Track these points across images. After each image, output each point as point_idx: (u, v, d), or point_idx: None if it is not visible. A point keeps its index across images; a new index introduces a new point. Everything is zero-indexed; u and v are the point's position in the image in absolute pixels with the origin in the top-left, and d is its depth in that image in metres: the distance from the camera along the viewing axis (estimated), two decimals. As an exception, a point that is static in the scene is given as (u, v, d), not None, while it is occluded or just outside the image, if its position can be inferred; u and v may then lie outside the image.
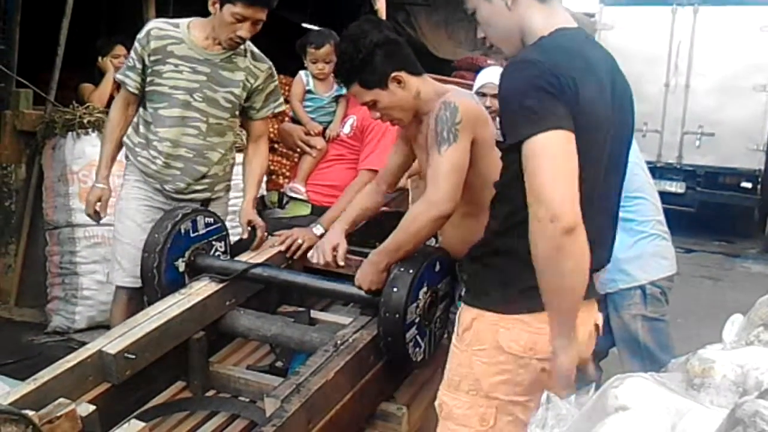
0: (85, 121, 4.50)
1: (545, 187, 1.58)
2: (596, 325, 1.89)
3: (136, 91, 3.11)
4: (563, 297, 1.65)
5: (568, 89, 1.61)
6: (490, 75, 3.96)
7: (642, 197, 3.06)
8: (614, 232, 1.93)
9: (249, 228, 3.05)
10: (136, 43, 3.07)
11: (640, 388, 1.33)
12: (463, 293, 2.53)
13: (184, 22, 3.09)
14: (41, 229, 4.66)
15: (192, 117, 3.07)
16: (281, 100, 3.31)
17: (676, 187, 9.77)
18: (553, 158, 1.59)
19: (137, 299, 3.17)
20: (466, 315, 1.87)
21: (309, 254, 2.64)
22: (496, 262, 1.82)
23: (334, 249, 2.59)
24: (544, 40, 1.73)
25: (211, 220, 2.94)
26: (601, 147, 1.73)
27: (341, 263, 2.58)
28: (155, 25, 3.08)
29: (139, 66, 3.07)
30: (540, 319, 1.74)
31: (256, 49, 3.18)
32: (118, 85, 4.62)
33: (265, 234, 3.05)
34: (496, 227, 1.83)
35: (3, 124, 4.68)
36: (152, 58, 3.03)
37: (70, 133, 4.49)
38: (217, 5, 2.93)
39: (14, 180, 4.76)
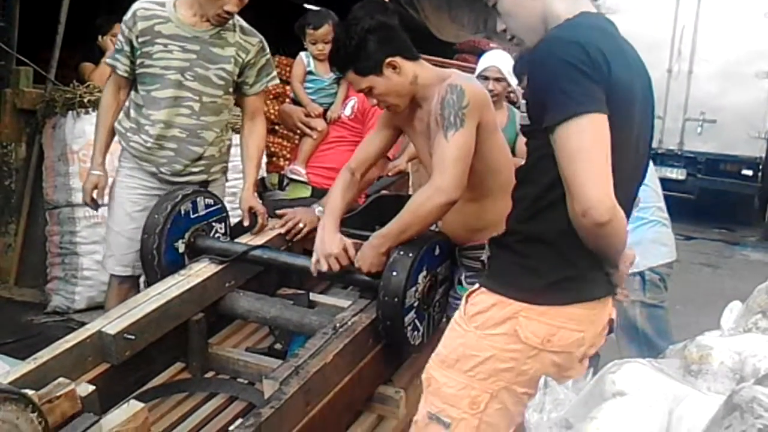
0: (85, 100, 4.48)
1: (576, 183, 1.58)
2: (610, 320, 1.87)
3: (126, 75, 3.08)
4: (607, 256, 1.74)
5: (598, 64, 1.59)
6: (493, 58, 3.94)
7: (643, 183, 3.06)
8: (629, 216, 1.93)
9: (250, 214, 3.03)
10: (122, 26, 3.02)
11: (637, 373, 1.34)
12: (464, 277, 2.53)
13: (169, 0, 3.04)
14: (41, 209, 4.66)
15: (185, 96, 3.03)
16: (274, 73, 3.26)
17: (677, 173, 9.78)
18: (583, 148, 1.57)
19: (129, 285, 3.18)
20: (484, 299, 1.81)
21: (313, 260, 2.49)
22: (524, 250, 1.78)
23: (346, 251, 2.47)
24: (567, 22, 1.71)
25: (212, 201, 2.93)
26: (632, 128, 1.71)
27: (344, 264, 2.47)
28: (140, 5, 3.01)
29: (127, 48, 3.02)
30: (563, 314, 1.74)
31: (245, 24, 3.13)
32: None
33: (266, 220, 3.04)
34: (523, 213, 1.79)
35: (3, 102, 4.67)
36: (140, 40, 2.98)
37: (70, 112, 4.49)
38: None
39: (14, 159, 4.75)
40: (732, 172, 9.69)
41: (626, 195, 1.80)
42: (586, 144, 1.57)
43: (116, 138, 3.21)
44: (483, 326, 1.80)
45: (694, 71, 9.63)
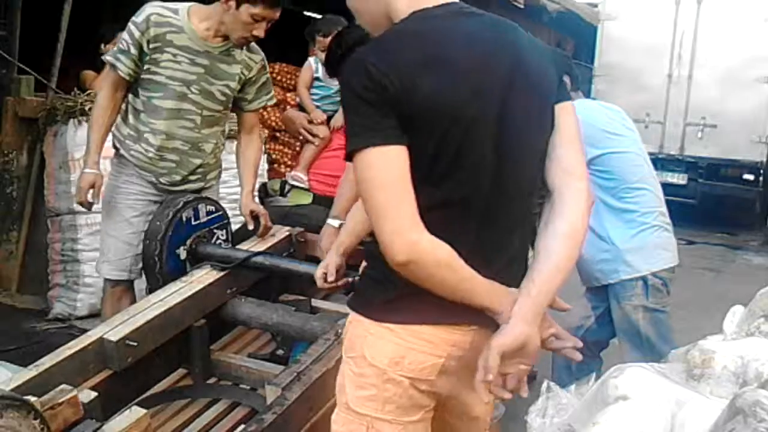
0: (86, 108, 4.47)
1: (372, 219, 1.45)
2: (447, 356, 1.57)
3: (128, 77, 2.98)
4: (449, 297, 1.49)
5: (384, 87, 1.41)
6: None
7: (644, 188, 3.06)
8: (520, 233, 1.63)
9: (252, 219, 3.03)
10: (132, 27, 2.91)
11: (640, 378, 1.34)
12: None
13: (183, 7, 2.96)
14: (43, 216, 4.66)
15: (187, 109, 2.99)
16: (272, 93, 3.25)
17: (678, 178, 9.76)
18: (369, 183, 1.43)
19: (123, 287, 3.15)
20: (348, 319, 1.69)
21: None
22: (372, 264, 1.64)
23: (325, 273, 2.33)
24: (394, 26, 1.55)
25: (213, 208, 2.94)
26: (470, 141, 1.47)
27: (329, 280, 2.32)
28: (155, 10, 2.92)
29: (134, 52, 2.91)
30: (412, 332, 1.54)
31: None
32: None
33: (269, 222, 3.03)
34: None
35: (5, 111, 4.68)
36: (152, 46, 2.91)
37: (71, 120, 4.49)
38: (233, 3, 2.80)
39: (16, 167, 4.76)
40: (733, 176, 9.68)
41: (493, 217, 1.55)
42: (370, 179, 1.43)
43: (109, 142, 3.15)
44: (346, 351, 1.66)
45: (694, 76, 9.63)
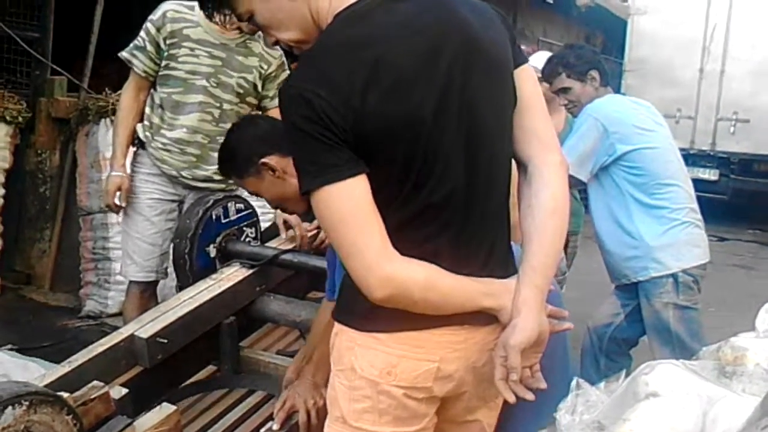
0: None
1: (340, 257, 1.38)
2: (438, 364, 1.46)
3: (144, 74, 3.03)
4: (441, 313, 1.42)
5: (332, 116, 1.28)
6: (534, 61, 3.90)
7: (675, 184, 3.02)
8: (498, 219, 1.53)
9: (285, 227, 2.95)
10: (148, 24, 2.97)
11: (671, 375, 1.32)
12: None
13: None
14: (75, 215, 4.74)
15: (207, 102, 3.01)
16: None
17: (710, 174, 9.62)
18: (330, 223, 1.35)
19: (150, 292, 3.19)
20: (334, 330, 1.56)
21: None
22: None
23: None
24: (321, 38, 1.40)
25: (242, 206, 2.95)
26: (435, 141, 1.37)
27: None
28: (171, 7, 2.98)
29: (151, 48, 2.98)
30: (399, 340, 1.43)
31: None
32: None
33: (304, 231, 2.91)
34: None
35: (38, 111, 4.76)
36: (168, 42, 2.95)
37: (103, 120, 4.56)
38: None
39: (49, 166, 4.84)
40: (766, 172, 9.51)
41: (481, 216, 1.47)
42: (329, 218, 1.34)
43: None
44: (335, 363, 1.54)
45: (726, 70, 9.48)
